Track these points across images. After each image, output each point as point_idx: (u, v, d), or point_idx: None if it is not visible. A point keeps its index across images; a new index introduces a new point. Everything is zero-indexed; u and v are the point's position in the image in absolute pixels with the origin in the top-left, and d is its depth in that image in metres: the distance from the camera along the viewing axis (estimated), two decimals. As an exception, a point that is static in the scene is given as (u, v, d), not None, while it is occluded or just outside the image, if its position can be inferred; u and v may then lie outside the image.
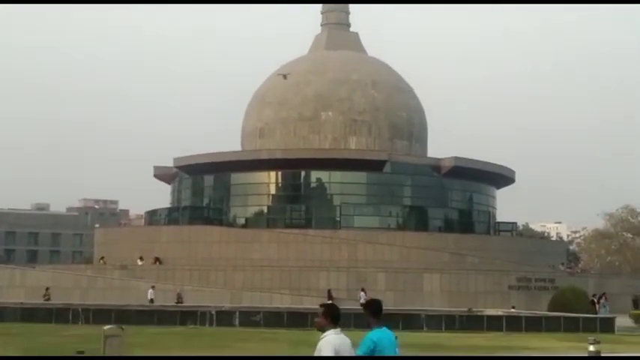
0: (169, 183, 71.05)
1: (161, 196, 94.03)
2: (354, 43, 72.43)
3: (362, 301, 43.25)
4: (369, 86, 66.56)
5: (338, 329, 8.79)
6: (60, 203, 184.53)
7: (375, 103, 65.87)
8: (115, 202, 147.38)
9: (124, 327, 20.09)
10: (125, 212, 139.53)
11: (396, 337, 9.17)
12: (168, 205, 69.66)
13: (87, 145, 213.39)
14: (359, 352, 8.85)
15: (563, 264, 59.17)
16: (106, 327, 19.81)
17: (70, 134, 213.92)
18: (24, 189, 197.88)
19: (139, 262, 54.29)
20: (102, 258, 57.47)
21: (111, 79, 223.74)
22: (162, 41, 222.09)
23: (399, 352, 9.10)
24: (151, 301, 43.98)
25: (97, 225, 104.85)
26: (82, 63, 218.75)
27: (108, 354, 19.14)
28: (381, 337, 8.95)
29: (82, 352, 18.02)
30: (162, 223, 64.48)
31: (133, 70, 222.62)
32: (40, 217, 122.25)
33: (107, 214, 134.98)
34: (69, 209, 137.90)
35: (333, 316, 8.82)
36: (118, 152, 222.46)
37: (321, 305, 9.01)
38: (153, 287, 45.82)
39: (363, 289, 44.78)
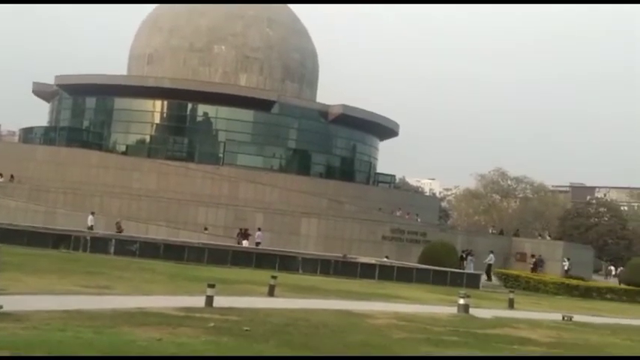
0: (49, 101, 68.17)
1: (38, 115, 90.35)
2: (252, -23, 71.00)
3: (258, 240, 43.57)
4: (264, 23, 65.69)
5: None
6: None
7: (270, 41, 65.17)
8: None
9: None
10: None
11: None
12: (46, 125, 66.95)
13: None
14: None
15: (400, 209, 59.99)
16: (-20, 244, 19.07)
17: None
18: None
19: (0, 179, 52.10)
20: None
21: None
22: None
23: None
24: (91, 227, 41.73)
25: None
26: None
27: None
28: None
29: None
30: (38, 143, 62.00)
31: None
32: None
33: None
34: None
35: None
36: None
37: None
38: (93, 213, 43.54)
39: (259, 229, 44.93)
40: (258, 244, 43.37)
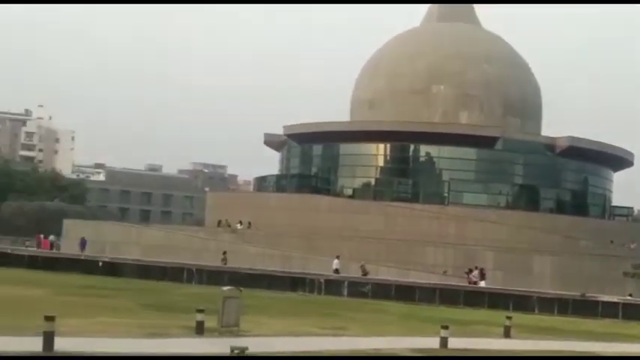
0: (278, 151, 71.88)
1: (270, 164, 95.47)
2: (467, 15, 70.69)
3: (475, 278, 42.34)
4: (482, 60, 65.00)
5: None
6: (171, 165, 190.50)
7: (488, 77, 64.29)
8: (224, 167, 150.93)
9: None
10: (233, 177, 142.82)
11: None
12: (277, 173, 70.57)
13: (199, 110, 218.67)
14: None
15: (634, 242, 55.23)
16: (225, 288, 20.22)
17: (184, 99, 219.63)
18: (138, 149, 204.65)
19: (239, 226, 55.35)
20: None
21: (227, 47, 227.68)
22: (274, 8, 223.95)
23: None
24: (336, 271, 42.56)
25: (206, 188, 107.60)
26: (197, 31, 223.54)
27: (226, 314, 19.58)
28: None
29: (203, 311, 18.49)
30: (271, 190, 65.43)
31: (248, 39, 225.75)
32: (153, 177, 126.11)
33: (216, 179, 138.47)
34: (180, 171, 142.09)
35: None
36: (227, 118, 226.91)
37: None
38: (338, 257, 44.49)
39: (476, 268, 43.85)
40: (474, 282, 42.06)
